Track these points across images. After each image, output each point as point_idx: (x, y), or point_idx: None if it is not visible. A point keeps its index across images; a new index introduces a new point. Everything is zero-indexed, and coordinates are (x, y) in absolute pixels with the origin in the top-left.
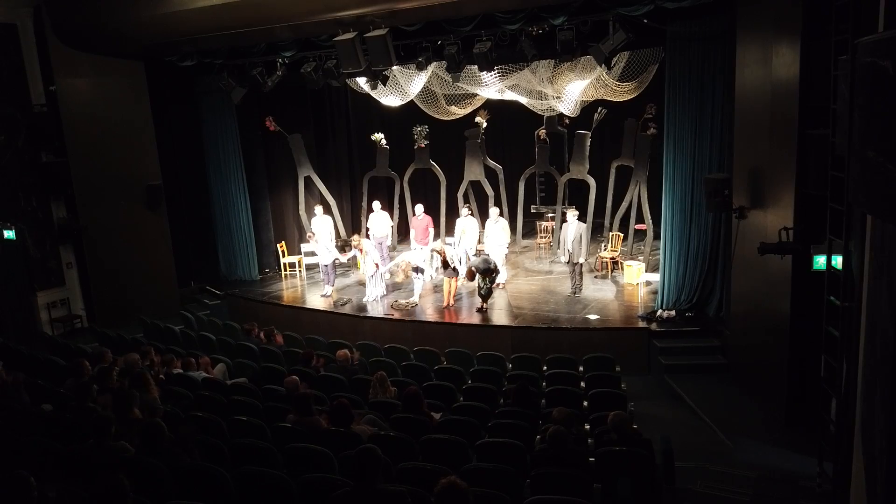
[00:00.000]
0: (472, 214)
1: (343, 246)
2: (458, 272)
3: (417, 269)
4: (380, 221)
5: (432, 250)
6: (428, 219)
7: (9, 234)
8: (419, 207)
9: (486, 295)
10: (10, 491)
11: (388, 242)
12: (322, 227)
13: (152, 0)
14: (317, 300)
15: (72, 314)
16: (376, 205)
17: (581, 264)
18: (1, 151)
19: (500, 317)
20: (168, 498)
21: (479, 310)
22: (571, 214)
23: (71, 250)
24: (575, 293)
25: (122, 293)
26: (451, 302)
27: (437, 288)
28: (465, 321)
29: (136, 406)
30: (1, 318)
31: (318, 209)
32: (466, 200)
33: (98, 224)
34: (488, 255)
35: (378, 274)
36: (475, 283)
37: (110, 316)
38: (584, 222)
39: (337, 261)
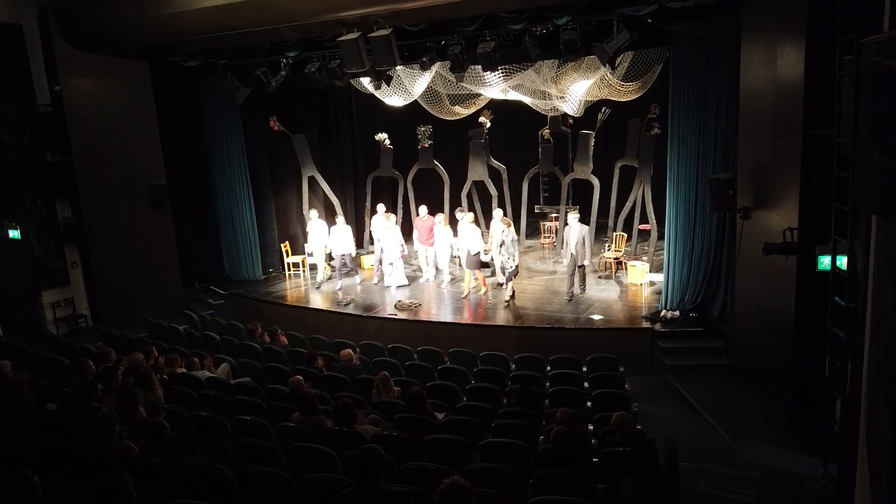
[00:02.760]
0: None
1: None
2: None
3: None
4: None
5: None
6: (432, 219)
7: (14, 233)
8: (423, 209)
9: (513, 274)
10: (14, 490)
11: None
12: (317, 231)
13: (157, 0)
14: (321, 300)
15: (76, 313)
16: (380, 207)
17: (584, 266)
18: (6, 151)
19: (503, 317)
20: (172, 497)
21: (508, 303)
22: (573, 217)
23: (75, 250)
24: (571, 298)
25: (127, 292)
26: (469, 293)
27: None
28: (468, 321)
29: (140, 405)
30: (6, 317)
31: (313, 213)
32: (470, 202)
33: (102, 224)
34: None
35: (397, 264)
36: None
37: (115, 315)
38: (587, 223)
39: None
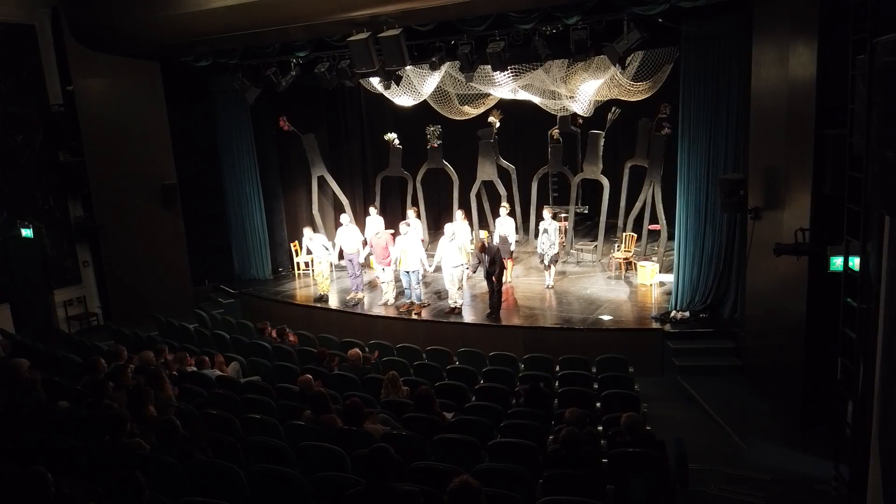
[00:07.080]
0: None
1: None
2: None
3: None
4: (356, 233)
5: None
6: (387, 236)
7: (27, 232)
8: (380, 221)
9: (554, 261)
10: (27, 487)
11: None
12: (316, 245)
13: (168, 1)
14: (329, 299)
15: (88, 312)
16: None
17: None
18: (19, 151)
19: (511, 317)
20: (182, 495)
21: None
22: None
23: (87, 249)
24: (490, 313)
25: (138, 291)
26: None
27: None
28: (476, 321)
29: (150, 403)
30: (19, 315)
31: (307, 231)
32: (479, 202)
33: (114, 223)
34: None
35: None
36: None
37: (126, 314)
38: (595, 224)
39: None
